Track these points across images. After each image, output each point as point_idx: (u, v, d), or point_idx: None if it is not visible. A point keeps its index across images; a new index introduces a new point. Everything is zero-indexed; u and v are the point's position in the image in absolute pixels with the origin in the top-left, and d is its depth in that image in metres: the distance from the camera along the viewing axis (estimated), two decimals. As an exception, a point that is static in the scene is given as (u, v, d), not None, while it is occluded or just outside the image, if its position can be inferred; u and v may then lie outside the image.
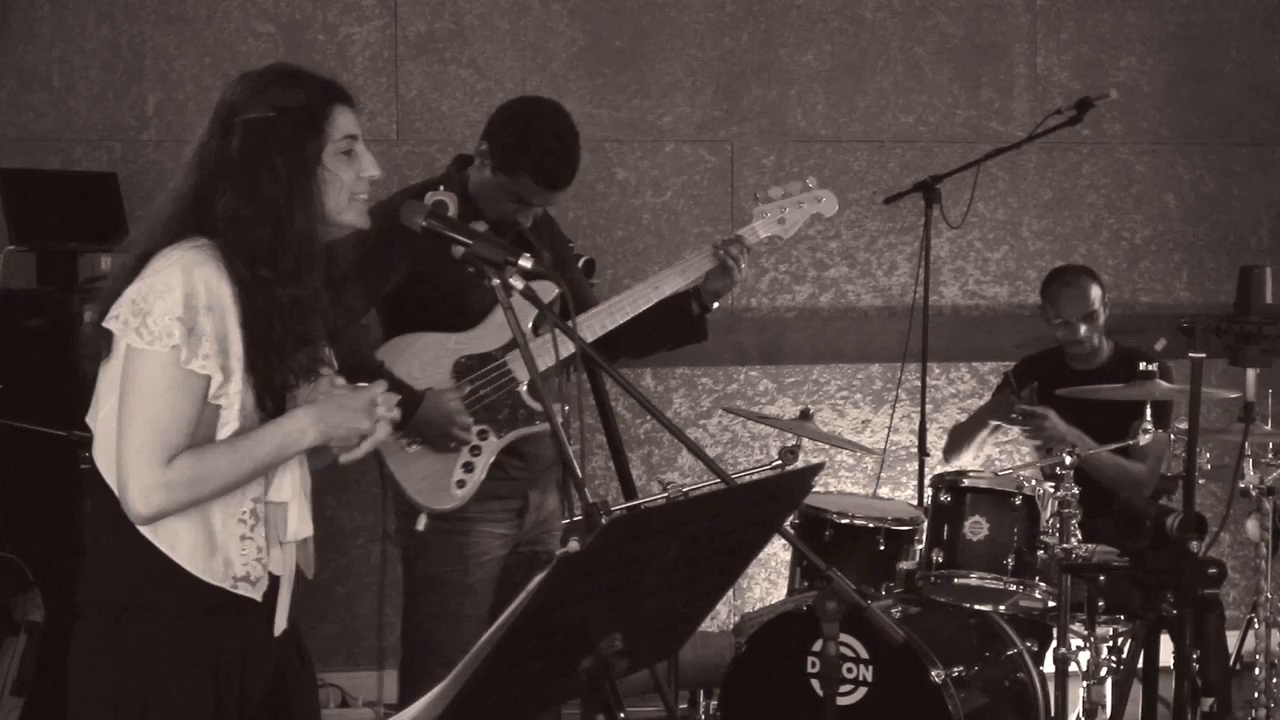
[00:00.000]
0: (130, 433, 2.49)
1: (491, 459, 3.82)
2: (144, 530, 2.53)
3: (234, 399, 2.53)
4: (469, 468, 3.80)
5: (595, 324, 3.89)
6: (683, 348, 4.21)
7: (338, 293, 2.70)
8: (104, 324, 2.54)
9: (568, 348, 3.63)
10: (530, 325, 3.79)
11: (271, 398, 2.60)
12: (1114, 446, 4.86)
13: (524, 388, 3.83)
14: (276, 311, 2.55)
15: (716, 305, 4.05)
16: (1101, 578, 4.34)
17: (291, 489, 2.64)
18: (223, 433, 2.55)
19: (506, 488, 3.90)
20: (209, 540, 2.56)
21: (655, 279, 3.97)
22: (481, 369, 3.83)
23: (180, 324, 2.48)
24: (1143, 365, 4.75)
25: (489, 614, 3.91)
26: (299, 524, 2.66)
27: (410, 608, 3.97)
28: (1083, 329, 5.27)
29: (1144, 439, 4.60)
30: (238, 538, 2.58)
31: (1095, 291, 5.28)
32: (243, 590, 2.59)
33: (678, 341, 4.16)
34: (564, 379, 3.93)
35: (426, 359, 3.80)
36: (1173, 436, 4.43)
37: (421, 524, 3.81)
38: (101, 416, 2.58)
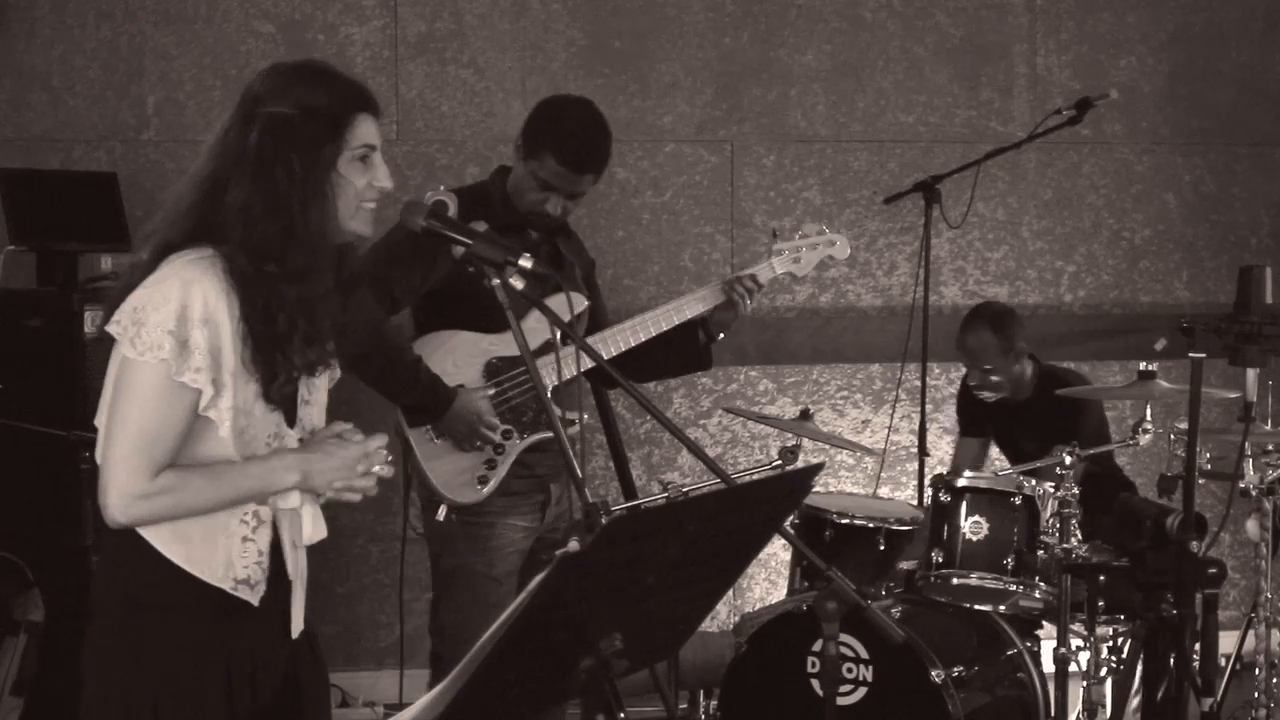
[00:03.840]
0: (118, 439, 2.49)
1: (513, 459, 3.93)
2: (142, 530, 2.52)
3: (224, 414, 2.51)
4: (491, 465, 3.91)
5: (612, 343, 4.00)
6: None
7: (350, 293, 2.69)
8: (107, 328, 2.53)
9: (585, 363, 3.68)
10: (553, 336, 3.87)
11: (279, 391, 2.59)
12: (1114, 446, 4.87)
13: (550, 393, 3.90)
14: (280, 306, 2.53)
15: (722, 336, 4.21)
16: (1101, 578, 4.35)
17: (299, 495, 2.63)
18: (215, 447, 2.53)
19: (529, 484, 4.00)
20: (209, 540, 2.55)
21: (675, 304, 4.09)
22: (510, 371, 3.92)
23: (171, 337, 2.46)
24: (1143, 365, 4.75)
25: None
26: (314, 528, 2.67)
27: (440, 600, 4.05)
28: (975, 379, 5.23)
29: (1144, 439, 4.60)
30: (239, 539, 2.58)
31: (988, 341, 5.13)
32: (241, 593, 2.58)
33: (683, 369, 4.36)
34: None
35: (460, 356, 3.91)
36: (1173, 436, 4.43)
37: (441, 514, 3.92)
38: (105, 419, 2.58)
